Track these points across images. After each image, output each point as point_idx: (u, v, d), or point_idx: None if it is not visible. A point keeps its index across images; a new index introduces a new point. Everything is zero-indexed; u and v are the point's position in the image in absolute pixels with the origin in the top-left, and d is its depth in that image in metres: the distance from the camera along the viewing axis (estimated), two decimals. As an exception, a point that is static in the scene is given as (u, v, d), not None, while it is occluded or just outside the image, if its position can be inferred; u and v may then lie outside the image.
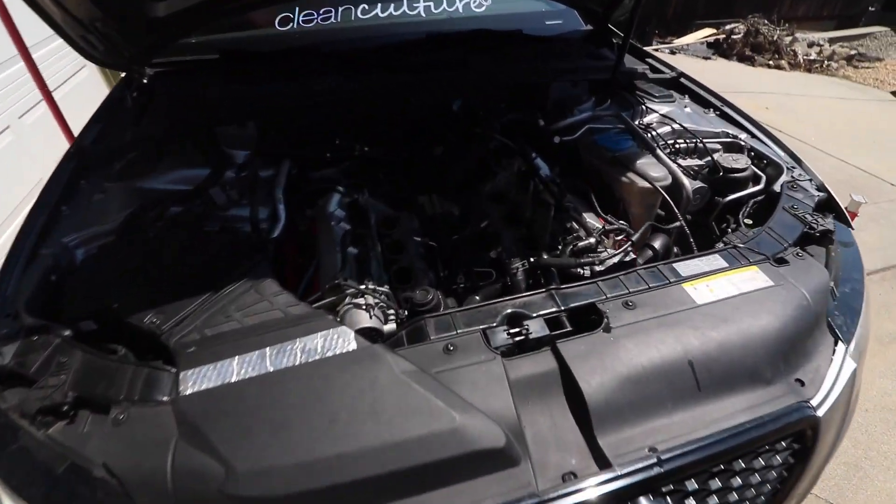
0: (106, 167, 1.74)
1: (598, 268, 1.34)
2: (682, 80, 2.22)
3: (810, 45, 9.13)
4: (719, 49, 9.04)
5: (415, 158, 1.99)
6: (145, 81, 2.16)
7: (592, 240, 1.41)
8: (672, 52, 8.76)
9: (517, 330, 1.11)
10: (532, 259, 1.44)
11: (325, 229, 1.58)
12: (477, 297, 1.40)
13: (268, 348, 1.06)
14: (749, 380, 1.06)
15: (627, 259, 1.37)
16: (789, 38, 9.03)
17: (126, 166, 1.71)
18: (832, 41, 9.44)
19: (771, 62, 8.54)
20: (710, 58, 8.73)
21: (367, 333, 1.26)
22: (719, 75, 7.49)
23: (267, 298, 1.18)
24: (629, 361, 1.04)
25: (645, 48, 2.53)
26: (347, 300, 1.32)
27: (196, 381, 1.02)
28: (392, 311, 1.32)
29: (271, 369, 1.02)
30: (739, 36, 8.89)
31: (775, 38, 8.83)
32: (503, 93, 2.12)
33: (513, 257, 1.57)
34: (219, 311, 1.16)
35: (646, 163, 1.62)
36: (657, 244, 1.46)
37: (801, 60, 8.51)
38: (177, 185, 1.64)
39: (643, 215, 1.61)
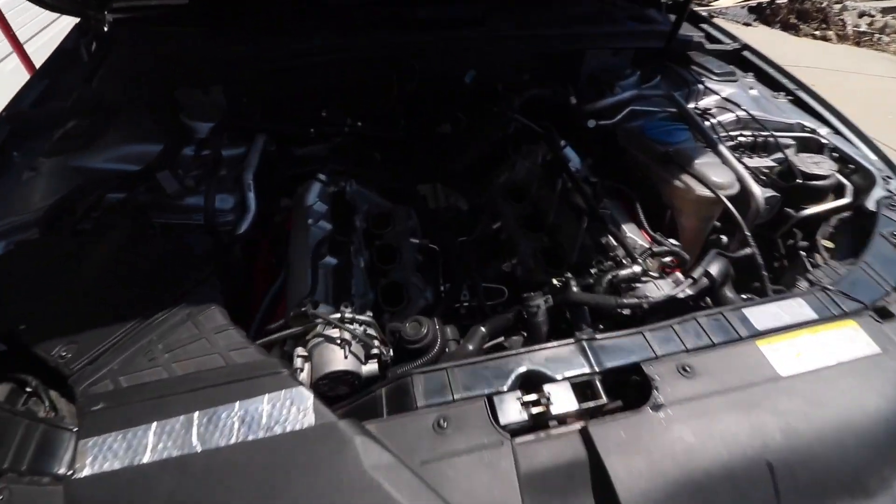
0: (45, 136, 1.44)
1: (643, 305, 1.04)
2: (746, 53, 1.84)
3: (861, 14, 8.36)
4: (761, 15, 8.30)
5: (417, 138, 1.66)
6: (105, 29, 1.82)
7: (637, 268, 1.10)
8: (710, 16, 8.06)
9: (534, 398, 0.83)
10: (557, 283, 1.14)
11: (299, 229, 1.28)
12: (483, 329, 1.11)
13: (196, 413, 0.79)
14: (845, 492, 0.78)
15: (681, 296, 1.06)
16: (838, 6, 8.27)
17: (64, 137, 1.40)
18: (885, 11, 8.64)
19: (817, 32, 7.83)
20: (750, 24, 8.01)
21: (340, 378, 1.00)
22: (760, 45, 6.85)
23: (206, 336, 0.90)
24: (686, 459, 0.76)
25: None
26: (319, 328, 1.04)
27: (98, 455, 0.76)
28: (376, 346, 1.05)
29: (198, 448, 0.75)
30: (785, 0, 8.14)
31: (824, 4, 8.09)
32: (527, 61, 1.75)
33: (531, 273, 1.27)
34: (142, 349, 0.89)
35: (706, 163, 1.28)
36: (714, 270, 1.14)
37: (850, 32, 7.79)
38: (122, 163, 1.34)
39: (697, 229, 1.30)
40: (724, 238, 1.36)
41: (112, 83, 1.55)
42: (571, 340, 0.92)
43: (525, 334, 1.17)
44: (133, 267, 1.07)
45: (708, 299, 1.17)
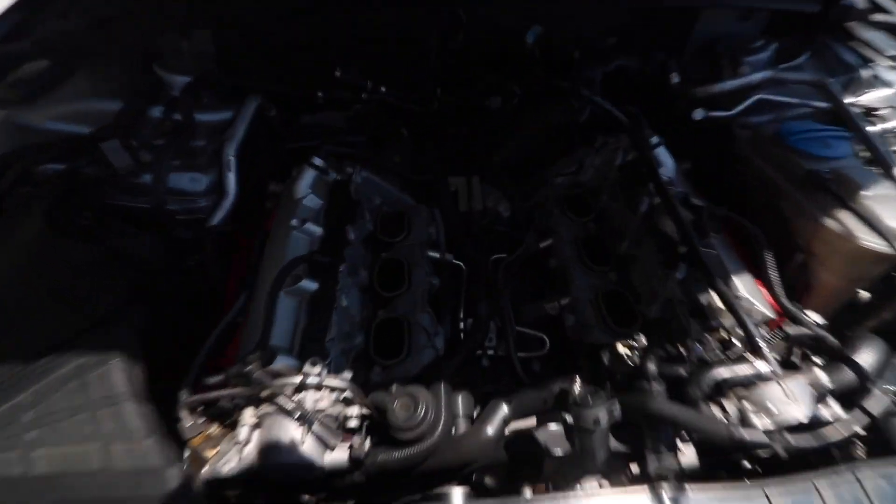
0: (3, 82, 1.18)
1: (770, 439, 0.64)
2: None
3: None
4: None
5: (455, 112, 1.28)
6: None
7: (762, 366, 0.70)
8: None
9: None
10: (624, 351, 0.77)
11: (279, 234, 0.96)
12: (506, 409, 0.77)
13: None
14: None
15: (825, 413, 0.66)
16: None
17: (15, 84, 1.13)
18: None
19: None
20: None
21: (293, 466, 0.70)
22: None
23: (92, 408, 0.62)
24: None
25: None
26: (275, 388, 0.74)
27: None
28: (351, 419, 0.74)
29: None
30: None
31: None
32: (616, 19, 1.30)
33: (584, 328, 0.91)
34: (8, 414, 0.62)
35: (880, 196, 0.84)
36: (869, 361, 0.73)
37: None
38: (75, 124, 1.07)
39: (841, 290, 0.87)
40: (864, 294, 0.93)
41: (86, 18, 1.25)
42: (644, 486, 0.57)
43: (568, 417, 0.82)
44: (42, 274, 0.80)
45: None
